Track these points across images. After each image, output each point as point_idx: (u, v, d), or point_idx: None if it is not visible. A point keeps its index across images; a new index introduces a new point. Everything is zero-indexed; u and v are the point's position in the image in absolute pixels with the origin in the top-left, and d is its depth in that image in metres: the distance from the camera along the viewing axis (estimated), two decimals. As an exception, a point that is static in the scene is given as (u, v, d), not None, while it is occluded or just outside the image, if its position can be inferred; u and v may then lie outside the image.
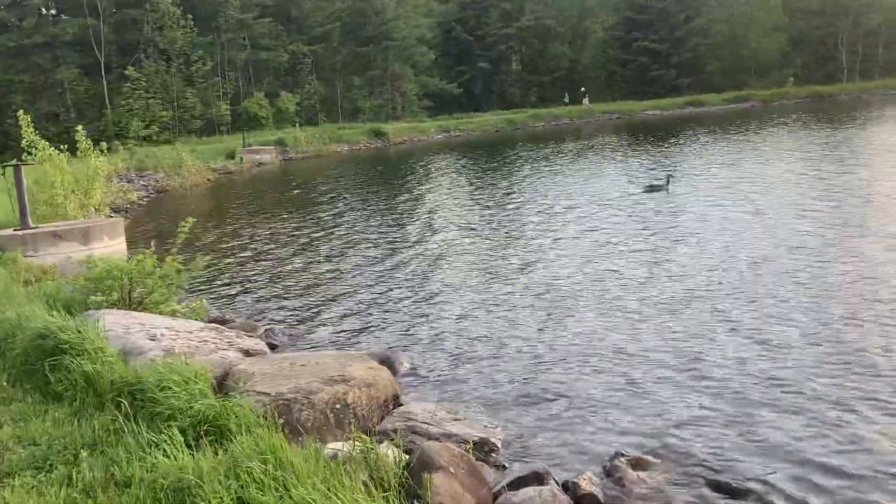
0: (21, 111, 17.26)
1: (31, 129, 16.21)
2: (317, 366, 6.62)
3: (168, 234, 18.25)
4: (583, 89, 67.73)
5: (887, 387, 6.60)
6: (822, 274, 10.33)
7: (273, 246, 15.97)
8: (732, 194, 18.06)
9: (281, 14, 58.87)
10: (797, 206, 15.75)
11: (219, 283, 12.83)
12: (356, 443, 5.05)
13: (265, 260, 14.56)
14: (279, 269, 13.68)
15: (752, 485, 5.25)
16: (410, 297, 10.91)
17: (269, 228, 18.47)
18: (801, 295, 9.43)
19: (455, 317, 9.76)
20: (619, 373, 7.43)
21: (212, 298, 11.50)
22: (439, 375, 7.73)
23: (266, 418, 5.24)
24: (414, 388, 7.39)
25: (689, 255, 12.19)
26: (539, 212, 17.85)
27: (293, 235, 17.20)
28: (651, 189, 19.30)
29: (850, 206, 15.27)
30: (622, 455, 5.72)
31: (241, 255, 15.20)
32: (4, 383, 6.12)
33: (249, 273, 13.47)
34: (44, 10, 53.22)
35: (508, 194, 21.46)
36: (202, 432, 4.95)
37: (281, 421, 5.44)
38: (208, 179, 32.31)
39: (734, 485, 5.27)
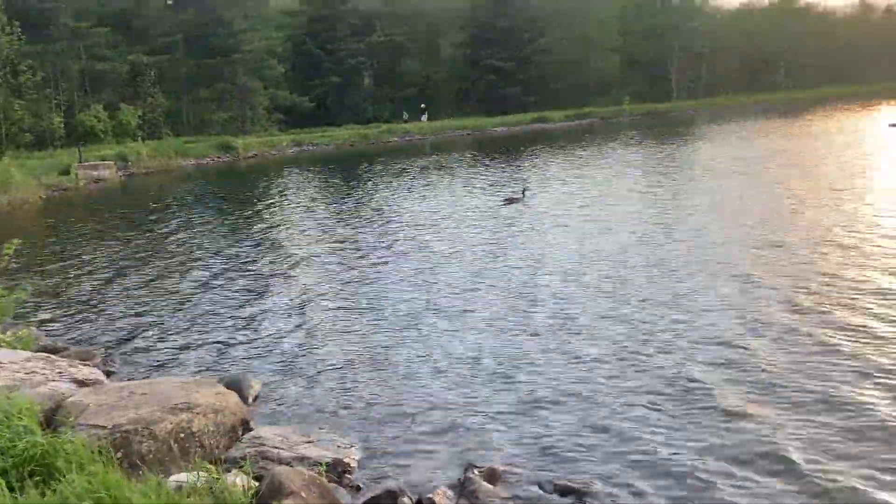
0: None
1: None
2: (159, 394, 6.30)
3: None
4: (422, 105, 67.60)
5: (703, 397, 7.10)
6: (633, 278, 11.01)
7: (112, 268, 15.06)
8: (580, 204, 19.16)
9: (120, 23, 55.87)
10: (634, 213, 16.73)
11: (50, 308, 11.91)
12: (201, 473, 4.84)
13: (103, 283, 13.69)
14: (118, 292, 12.91)
15: (602, 487, 5.47)
16: (259, 319, 10.60)
17: (107, 249, 17.44)
18: (629, 297, 9.99)
19: (306, 337, 9.58)
20: (470, 386, 7.55)
21: (42, 325, 10.68)
22: (291, 398, 7.56)
23: (101, 453, 4.92)
24: (265, 413, 7.18)
25: (535, 264, 12.61)
26: (396, 225, 17.90)
27: (133, 256, 16.32)
28: (509, 201, 19.91)
29: (677, 213, 16.40)
30: (475, 467, 5.79)
31: (76, 277, 14.22)
32: None
33: (85, 297, 12.61)
34: None
35: (364, 208, 21.38)
36: (27, 473, 4.57)
37: (119, 455, 5.13)
38: (40, 197, 30.11)
39: (584, 489, 5.47)
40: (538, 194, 21.08)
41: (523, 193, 20.26)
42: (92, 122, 49.66)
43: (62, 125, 49.32)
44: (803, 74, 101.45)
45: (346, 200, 23.87)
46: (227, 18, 59.42)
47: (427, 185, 26.68)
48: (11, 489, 4.30)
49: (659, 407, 6.72)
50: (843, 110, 56.79)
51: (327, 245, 16.21)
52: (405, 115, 66.06)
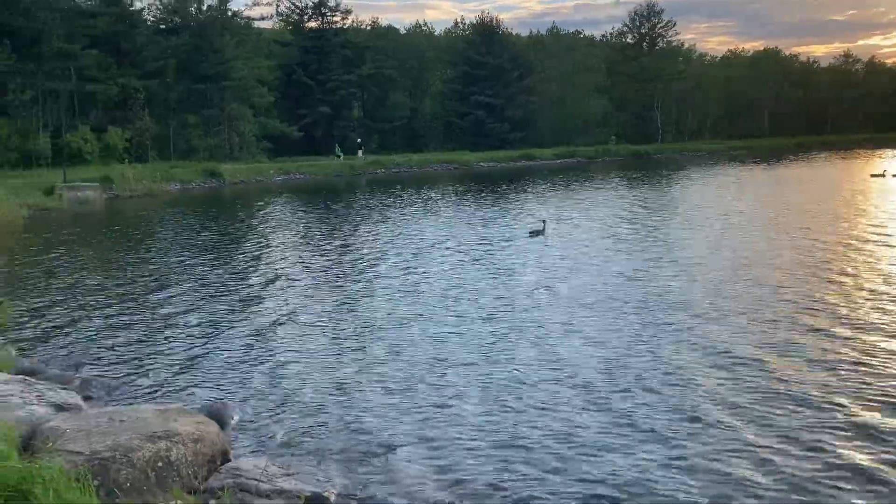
0: None
1: None
2: (138, 421, 6.24)
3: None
4: (359, 140, 65.78)
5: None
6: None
7: (92, 291, 14.93)
8: (593, 237, 20.34)
9: (111, 46, 56.03)
10: (638, 248, 16.91)
11: (28, 329, 11.77)
12: (178, 503, 4.79)
13: (84, 306, 13.56)
14: (100, 315, 12.79)
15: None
16: (241, 348, 10.54)
17: (88, 272, 17.31)
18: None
19: (286, 366, 9.53)
20: (454, 422, 7.53)
21: (20, 347, 10.55)
22: (271, 428, 7.50)
23: (79, 480, 4.86)
24: (244, 443, 7.13)
25: (529, 296, 12.66)
26: (379, 253, 17.94)
27: (114, 280, 16.20)
28: (535, 234, 20.57)
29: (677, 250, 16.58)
30: (454, 504, 5.78)
31: (55, 299, 14.07)
32: None
33: (64, 320, 12.47)
34: None
35: (349, 236, 21.42)
36: (3, 499, 4.51)
37: (96, 483, 5.08)
38: (22, 217, 29.87)
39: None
40: (554, 228, 21.74)
41: (544, 226, 20.91)
42: (79, 144, 49.55)
43: (49, 145, 49.16)
44: (784, 122, 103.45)
45: (335, 230, 23.88)
46: (218, 45, 59.73)
47: (422, 217, 26.79)
48: (-14, 515, 4.24)
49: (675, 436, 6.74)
50: (827, 159, 57.90)
51: (312, 273, 16.19)
52: (337, 150, 62.49)
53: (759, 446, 6.70)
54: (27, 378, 7.80)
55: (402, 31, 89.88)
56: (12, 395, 6.74)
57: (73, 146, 49.37)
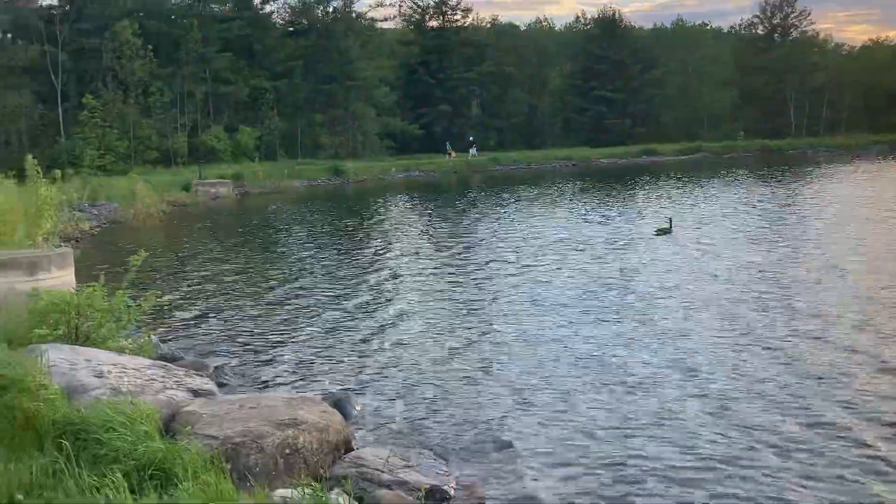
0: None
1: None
2: (267, 408, 6.49)
3: (119, 265, 17.87)
4: (471, 138, 65.12)
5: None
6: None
7: (226, 282, 15.71)
8: (722, 236, 19.69)
9: (243, 48, 58.78)
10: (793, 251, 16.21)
11: (168, 318, 12.53)
12: (306, 490, 4.94)
13: (217, 296, 14.29)
14: (231, 306, 13.44)
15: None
16: (366, 339, 10.81)
17: (223, 264, 18.21)
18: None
19: (411, 360, 9.68)
20: (574, 420, 7.43)
21: (160, 334, 11.22)
22: (393, 420, 7.65)
23: (213, 463, 5.11)
24: (366, 433, 7.29)
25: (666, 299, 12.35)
26: (508, 251, 17.95)
27: (247, 272, 16.98)
28: (662, 232, 20.11)
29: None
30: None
31: (193, 289, 14.91)
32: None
33: (200, 309, 13.19)
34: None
35: (477, 232, 21.58)
36: (146, 476, 4.80)
37: (228, 466, 5.31)
38: (163, 211, 31.78)
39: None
40: (680, 227, 21.10)
41: (670, 223, 20.44)
42: (213, 143, 52.18)
43: (185, 144, 52.09)
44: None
45: (454, 227, 24.10)
46: (343, 46, 61.41)
47: (549, 212, 26.65)
48: (132, 491, 4.52)
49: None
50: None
51: (431, 270, 16.39)
52: (448, 148, 61.97)
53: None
54: (167, 364, 8.26)
55: (522, 27, 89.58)
56: (154, 380, 7.15)
57: (208, 145, 52.07)
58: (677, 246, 18.20)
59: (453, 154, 61.39)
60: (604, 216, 25.02)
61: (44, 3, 52.91)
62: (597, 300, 12.63)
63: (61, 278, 13.44)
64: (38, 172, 16.83)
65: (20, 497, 4.61)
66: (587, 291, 13.33)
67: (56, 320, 8.53)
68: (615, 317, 11.47)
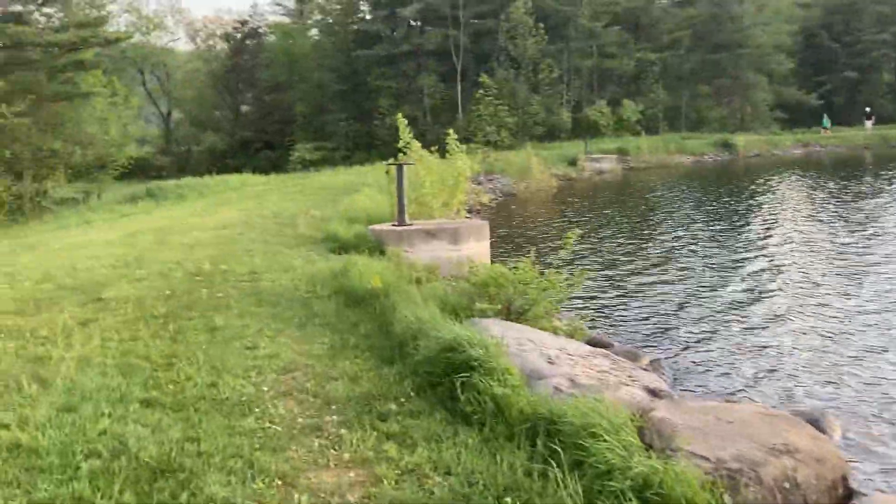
0: (399, 115, 18.23)
1: (408, 131, 16.99)
2: (745, 425, 5.48)
3: (520, 238, 18.24)
4: (867, 109, 55.13)
5: None
6: None
7: (637, 262, 14.95)
8: None
9: (630, 21, 57.94)
10: None
11: (581, 297, 12.07)
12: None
13: (630, 277, 13.59)
14: (644, 289, 12.62)
15: None
16: (820, 338, 9.17)
17: (623, 242, 17.54)
18: None
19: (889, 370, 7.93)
20: None
21: (579, 314, 10.79)
22: (891, 452, 6.11)
23: (713, 492, 4.27)
24: (859, 468, 5.87)
25: None
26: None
27: (657, 252, 16.05)
28: None
29: None
30: None
31: (605, 269, 14.37)
32: (411, 393, 5.84)
33: (610, 289, 12.59)
34: (412, 21, 58.12)
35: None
36: (642, 501, 4.10)
37: (727, 497, 4.43)
38: (552, 185, 32.37)
39: None
40: None
41: None
42: (596, 117, 52.32)
43: (569, 119, 52.99)
44: None
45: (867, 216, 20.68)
46: (737, 13, 57.36)
47: None
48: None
49: None
50: None
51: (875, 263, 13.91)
52: (825, 122, 54.32)
53: None
54: (607, 352, 7.67)
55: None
56: (605, 371, 6.55)
57: (591, 119, 52.34)
58: None
59: (828, 130, 53.97)
60: None
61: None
62: None
63: (479, 249, 13.93)
64: (457, 147, 17.70)
65: (508, 500, 4.20)
66: None
67: (495, 295, 8.46)
68: None
